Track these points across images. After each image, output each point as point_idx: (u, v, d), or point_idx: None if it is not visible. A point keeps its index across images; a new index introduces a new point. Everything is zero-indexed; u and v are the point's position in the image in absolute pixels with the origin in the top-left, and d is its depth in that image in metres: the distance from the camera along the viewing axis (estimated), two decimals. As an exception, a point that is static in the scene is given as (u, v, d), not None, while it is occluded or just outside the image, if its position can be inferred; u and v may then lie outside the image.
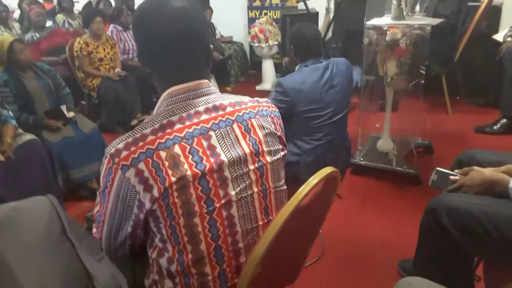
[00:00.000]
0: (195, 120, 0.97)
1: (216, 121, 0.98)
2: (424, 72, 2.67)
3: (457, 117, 3.70)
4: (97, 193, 1.02)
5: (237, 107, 1.03)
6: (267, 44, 4.75)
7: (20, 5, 5.72)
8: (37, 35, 4.19)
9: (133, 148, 0.92)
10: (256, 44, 4.82)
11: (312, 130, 2.13)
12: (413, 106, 2.80)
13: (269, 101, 1.14)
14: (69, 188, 2.75)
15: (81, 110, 3.90)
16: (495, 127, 3.28)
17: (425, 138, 3.06)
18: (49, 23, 4.65)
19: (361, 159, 2.81)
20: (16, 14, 5.80)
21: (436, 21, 2.60)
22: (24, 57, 2.73)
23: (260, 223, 1.06)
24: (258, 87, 5.06)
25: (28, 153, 2.50)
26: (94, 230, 1.07)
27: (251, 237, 1.05)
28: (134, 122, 3.91)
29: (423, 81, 2.70)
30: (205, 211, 0.96)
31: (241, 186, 1.00)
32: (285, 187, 1.14)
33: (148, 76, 4.12)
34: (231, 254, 1.02)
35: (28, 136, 2.55)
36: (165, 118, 0.96)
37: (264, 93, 4.90)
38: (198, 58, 1.01)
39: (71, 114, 2.84)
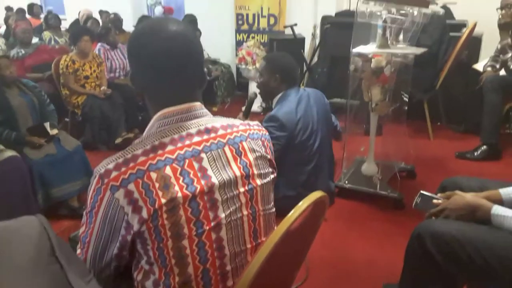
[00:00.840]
0: (187, 142, 0.97)
1: (208, 144, 0.99)
2: (407, 98, 2.74)
3: (439, 142, 3.78)
4: (84, 213, 1.00)
5: (228, 130, 1.04)
6: (254, 67, 4.81)
7: (6, 21, 5.70)
8: (23, 52, 4.16)
9: (123, 169, 0.91)
10: (243, 66, 4.88)
11: (306, 160, 2.08)
12: (397, 131, 2.86)
13: (260, 124, 1.16)
14: (49, 206, 2.68)
15: (64, 127, 3.85)
16: (475, 154, 3.35)
17: (408, 162, 3.12)
18: (35, 40, 4.62)
19: (346, 182, 2.83)
20: (2, 29, 5.76)
21: (419, 50, 2.69)
22: (9, 73, 2.70)
23: (249, 246, 1.05)
24: (244, 108, 5.09)
25: (8, 170, 2.44)
26: (78, 251, 1.05)
27: (239, 260, 1.04)
28: (118, 140, 3.87)
29: (406, 107, 2.77)
30: (194, 233, 0.95)
31: (231, 209, 1.00)
32: (273, 210, 1.14)
33: (134, 94, 4.12)
34: (218, 277, 1.01)
35: (9, 153, 2.49)
36: (156, 140, 0.95)
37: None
38: (193, 80, 1.02)
39: (54, 131, 2.80)
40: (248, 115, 2.26)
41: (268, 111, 2.23)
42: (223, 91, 5.42)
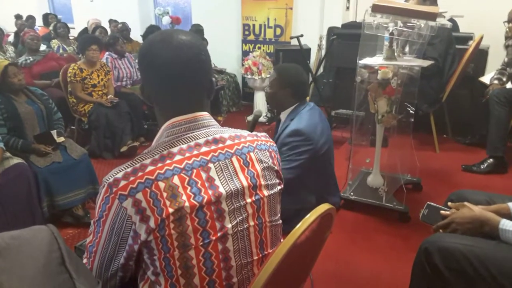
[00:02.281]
0: (195, 152, 0.97)
1: (216, 154, 0.99)
2: (413, 111, 2.73)
3: (445, 155, 3.76)
4: (91, 222, 1.00)
5: (236, 141, 1.04)
6: (260, 77, 4.83)
7: (19, 29, 5.75)
8: (31, 59, 4.20)
9: (132, 178, 0.91)
10: (249, 76, 4.90)
11: (328, 169, 2.09)
12: (403, 143, 2.85)
13: (267, 135, 1.16)
14: (53, 214, 2.68)
15: (70, 135, 3.87)
16: (482, 167, 3.33)
17: (414, 175, 3.10)
18: (43, 47, 4.67)
19: (351, 193, 2.82)
20: (11, 37, 5.83)
21: (426, 63, 2.68)
22: (17, 80, 2.72)
23: (255, 257, 1.05)
24: (249, 118, 5.11)
25: (14, 177, 2.45)
26: (84, 260, 1.04)
27: (245, 272, 1.03)
28: (123, 148, 3.89)
29: (412, 119, 2.76)
30: (201, 243, 0.95)
31: (238, 219, 0.99)
32: (280, 221, 1.13)
33: (140, 103, 4.15)
34: (224, 289, 1.00)
35: (16, 160, 2.51)
36: (165, 149, 0.96)
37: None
38: (202, 90, 1.03)
39: (61, 139, 2.81)
40: (252, 131, 2.28)
41: (273, 121, 2.24)
42: (229, 101, 5.44)
